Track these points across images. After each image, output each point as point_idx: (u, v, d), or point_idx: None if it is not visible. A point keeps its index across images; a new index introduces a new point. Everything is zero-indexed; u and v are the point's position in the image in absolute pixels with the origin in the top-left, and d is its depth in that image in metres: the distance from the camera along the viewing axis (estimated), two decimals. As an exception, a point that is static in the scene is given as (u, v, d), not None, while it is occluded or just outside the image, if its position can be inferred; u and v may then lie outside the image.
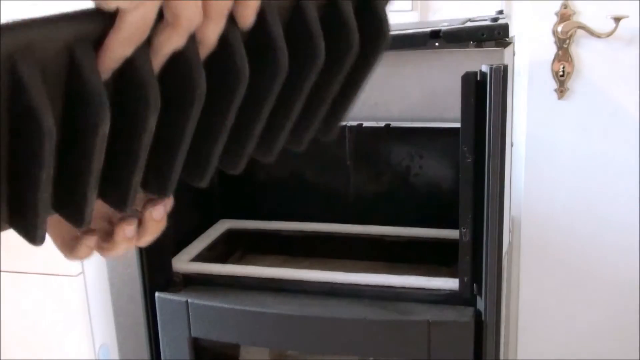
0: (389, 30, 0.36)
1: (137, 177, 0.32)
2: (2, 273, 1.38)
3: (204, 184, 0.37)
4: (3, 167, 0.28)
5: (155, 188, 0.35)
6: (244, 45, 0.32)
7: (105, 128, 0.28)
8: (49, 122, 0.27)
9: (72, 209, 0.32)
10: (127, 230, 0.37)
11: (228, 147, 0.35)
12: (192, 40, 0.30)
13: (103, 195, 0.33)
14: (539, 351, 1.54)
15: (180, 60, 0.30)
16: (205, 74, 0.31)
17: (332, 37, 0.34)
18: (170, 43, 0.30)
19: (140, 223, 0.37)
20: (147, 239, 0.38)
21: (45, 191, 0.29)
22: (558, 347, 1.53)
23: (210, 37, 0.31)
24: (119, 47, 0.28)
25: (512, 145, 1.39)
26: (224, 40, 0.31)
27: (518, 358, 1.56)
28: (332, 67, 0.35)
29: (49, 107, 0.27)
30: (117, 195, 0.33)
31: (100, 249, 0.37)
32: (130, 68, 0.29)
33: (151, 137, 0.31)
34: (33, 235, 0.31)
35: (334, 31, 0.34)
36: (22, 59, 0.26)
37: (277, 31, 0.32)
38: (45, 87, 0.27)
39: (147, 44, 0.30)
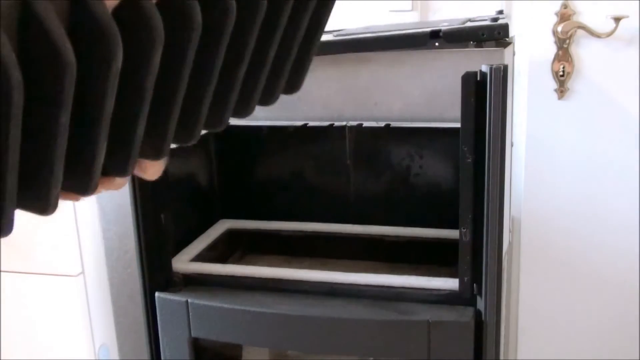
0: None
1: (142, 129, 0.31)
2: (2, 273, 1.38)
3: (194, 140, 0.36)
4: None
5: (150, 148, 0.34)
6: None
7: (118, 62, 0.27)
8: (69, 55, 0.26)
9: (81, 170, 0.31)
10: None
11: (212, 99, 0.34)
12: None
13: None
14: (539, 351, 1.54)
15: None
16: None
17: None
18: None
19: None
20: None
21: (62, 142, 0.28)
22: (558, 347, 1.53)
23: None
24: None
25: (512, 145, 1.39)
26: None
27: (518, 358, 1.56)
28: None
29: (68, 41, 0.26)
30: (119, 154, 0.32)
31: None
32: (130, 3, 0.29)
33: (154, 79, 0.30)
34: (46, 201, 0.29)
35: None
36: None
37: None
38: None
39: None
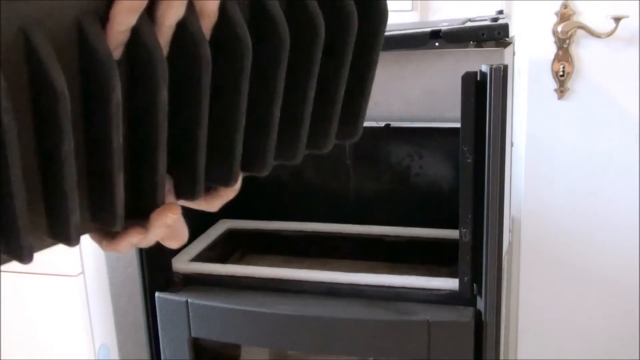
0: (387, 10, 0.36)
1: (203, 155, 0.33)
2: (2, 273, 1.38)
3: (266, 171, 0.36)
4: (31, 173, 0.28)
5: (220, 175, 0.35)
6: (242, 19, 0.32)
7: (117, 94, 0.29)
8: (61, 84, 0.27)
9: (103, 200, 0.31)
10: (135, 235, 0.35)
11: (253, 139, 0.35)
12: (193, 10, 0.31)
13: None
14: (539, 351, 1.54)
15: (184, 33, 0.31)
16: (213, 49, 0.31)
17: (331, 19, 0.35)
18: (171, 13, 0.30)
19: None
20: (149, 242, 0.37)
21: (70, 167, 0.28)
22: (558, 347, 1.53)
23: (210, 7, 0.31)
24: (123, 17, 0.29)
25: (512, 145, 1.39)
26: (224, 11, 0.32)
27: (518, 358, 1.56)
28: (335, 52, 0.35)
29: (61, 72, 0.27)
30: (186, 180, 0.33)
31: (102, 244, 0.37)
32: (182, 33, 0.30)
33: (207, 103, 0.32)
34: (67, 234, 0.30)
35: (332, 13, 0.35)
36: (34, 31, 0.27)
37: (275, 7, 0.33)
38: (57, 58, 0.27)
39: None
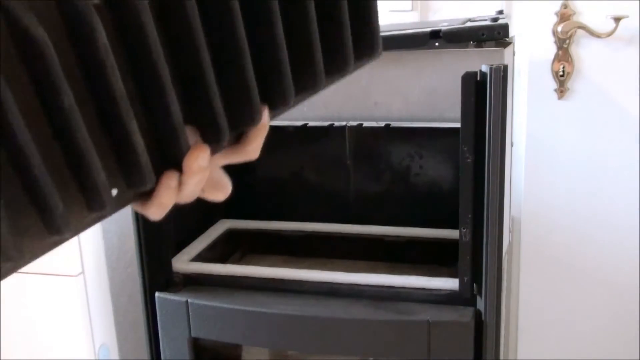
0: None
1: (214, 87, 0.33)
2: (2, 273, 1.37)
3: (289, 102, 0.36)
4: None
5: (243, 114, 0.34)
6: None
7: (102, 37, 0.28)
8: (41, 33, 0.27)
9: (127, 156, 0.31)
10: (169, 179, 0.33)
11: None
12: None
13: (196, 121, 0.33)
14: (539, 351, 1.54)
15: None
16: None
17: None
18: None
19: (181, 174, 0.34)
20: (190, 193, 0.35)
21: (77, 121, 0.28)
22: (558, 347, 1.53)
23: None
24: None
25: (512, 145, 1.39)
26: None
27: (518, 358, 1.56)
28: None
29: (36, 22, 0.27)
30: (208, 124, 0.33)
31: (148, 210, 0.35)
32: None
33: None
34: (99, 198, 0.30)
35: None
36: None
37: None
38: (31, 10, 0.27)
39: None
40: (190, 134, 0.34)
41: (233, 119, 0.34)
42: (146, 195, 0.34)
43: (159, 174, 0.33)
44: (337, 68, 0.37)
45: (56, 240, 0.30)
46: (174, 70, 0.32)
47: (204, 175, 0.34)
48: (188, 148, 0.33)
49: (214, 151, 0.35)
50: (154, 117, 0.32)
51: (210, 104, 0.33)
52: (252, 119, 0.35)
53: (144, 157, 0.31)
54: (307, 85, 0.36)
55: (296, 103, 0.37)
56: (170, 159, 0.33)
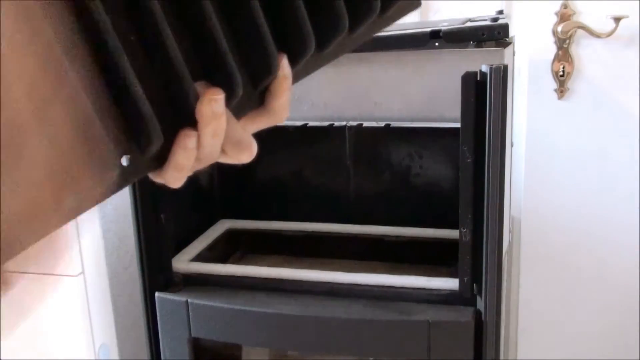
0: None
1: (221, 36, 0.31)
2: (2, 273, 1.37)
3: (310, 47, 0.33)
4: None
5: (260, 64, 0.32)
6: None
7: (97, 4, 0.28)
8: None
9: (136, 120, 0.30)
10: (185, 137, 0.31)
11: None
12: None
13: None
14: (539, 351, 1.54)
15: None
16: None
17: None
18: None
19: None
20: (205, 151, 0.33)
21: (122, 59, 0.28)
22: (558, 347, 1.53)
23: None
24: None
25: (512, 145, 1.39)
26: None
27: (518, 358, 1.56)
28: None
29: None
30: (223, 77, 0.31)
31: (166, 176, 0.33)
32: None
33: None
34: (146, 132, 0.29)
35: None
36: None
37: None
38: None
39: None
40: (202, 90, 0.32)
41: (248, 70, 0.32)
42: (164, 161, 0.32)
43: (173, 134, 0.31)
44: (362, 12, 0.35)
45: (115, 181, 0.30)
46: (178, 22, 0.31)
47: (219, 125, 0.32)
48: (197, 98, 0.31)
49: (229, 104, 0.33)
50: (161, 73, 0.31)
51: (220, 53, 0.31)
52: (268, 69, 0.33)
53: (146, 108, 0.30)
54: (332, 29, 0.34)
55: (324, 49, 0.34)
56: (183, 116, 0.31)
